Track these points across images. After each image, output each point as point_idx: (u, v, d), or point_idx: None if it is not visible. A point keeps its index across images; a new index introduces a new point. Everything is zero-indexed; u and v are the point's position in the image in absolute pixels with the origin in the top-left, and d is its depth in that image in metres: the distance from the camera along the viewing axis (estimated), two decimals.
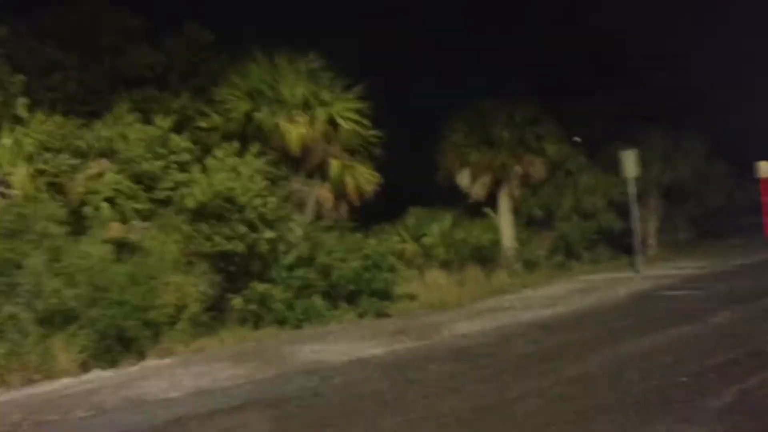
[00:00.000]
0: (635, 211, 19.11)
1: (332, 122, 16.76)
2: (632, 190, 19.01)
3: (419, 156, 20.37)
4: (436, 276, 16.93)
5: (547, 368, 8.81)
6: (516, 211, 20.85)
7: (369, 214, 17.07)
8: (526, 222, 21.09)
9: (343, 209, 16.86)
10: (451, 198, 20.43)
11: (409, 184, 19.19)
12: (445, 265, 17.69)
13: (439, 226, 18.62)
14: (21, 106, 13.10)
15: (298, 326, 13.28)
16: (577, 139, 22.59)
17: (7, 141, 12.39)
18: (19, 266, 10.32)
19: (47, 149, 12.73)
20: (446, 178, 20.68)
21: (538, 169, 20.68)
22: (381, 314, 14.17)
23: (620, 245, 21.71)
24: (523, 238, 20.45)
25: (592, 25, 23.87)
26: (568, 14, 25.68)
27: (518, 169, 20.62)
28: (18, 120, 13.00)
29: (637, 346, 9.84)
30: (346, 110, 16.95)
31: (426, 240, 18.21)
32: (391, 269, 14.80)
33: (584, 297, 15.32)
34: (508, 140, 20.61)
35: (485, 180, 20.39)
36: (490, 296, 16.22)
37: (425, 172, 20.73)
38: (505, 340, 11.20)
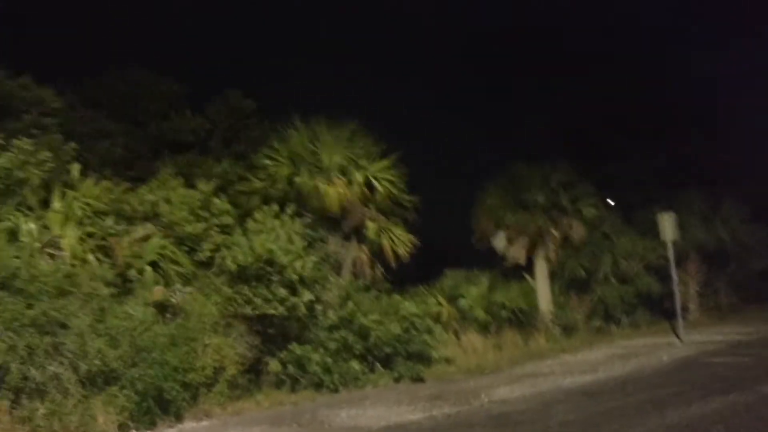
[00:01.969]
0: (675, 275, 18.79)
1: (369, 185, 17.10)
2: (671, 253, 18.74)
3: (454, 219, 20.50)
4: (472, 339, 16.77)
5: None
6: (553, 275, 20.66)
7: (404, 276, 17.14)
8: (564, 285, 20.85)
9: (379, 271, 16.99)
10: (487, 261, 20.39)
11: (444, 246, 19.28)
12: (482, 328, 17.53)
13: (475, 288, 18.54)
14: (73, 171, 13.61)
15: (334, 390, 13.18)
16: (610, 201, 22.50)
17: (58, 205, 12.83)
18: (63, 326, 10.51)
19: (96, 213, 13.13)
20: (482, 241, 20.69)
21: (576, 231, 20.57)
22: (417, 378, 14.02)
23: (660, 310, 21.29)
24: (560, 302, 20.20)
25: (628, 88, 24.10)
26: (603, 78, 25.98)
27: (554, 232, 20.55)
28: (69, 185, 13.49)
29: (685, 414, 9.56)
30: (383, 173, 17.33)
31: (463, 302, 18.11)
32: (429, 331, 14.71)
33: (625, 363, 14.97)
34: (544, 203, 20.64)
35: (521, 243, 20.34)
36: (528, 361, 15.95)
37: (461, 235, 20.81)
38: (546, 407, 10.96)
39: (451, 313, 17.56)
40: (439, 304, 17.36)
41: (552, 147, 22.13)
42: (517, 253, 20.31)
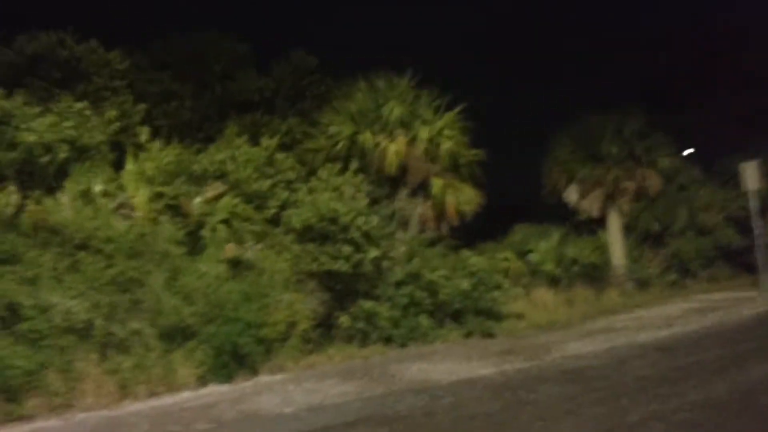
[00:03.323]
0: (757, 226, 17.91)
1: (434, 141, 16.83)
2: (753, 204, 17.85)
3: (523, 173, 20.07)
4: (543, 295, 16.51)
5: (668, 392, 8.35)
6: (626, 228, 20.04)
7: (472, 232, 16.94)
8: (638, 239, 20.21)
9: (446, 227, 16.83)
10: (557, 215, 19.92)
11: (513, 201, 18.92)
12: (553, 283, 17.23)
13: (546, 243, 18.18)
14: (143, 133, 13.91)
15: (403, 344, 13.27)
16: (689, 151, 21.53)
17: (131, 167, 13.16)
18: (141, 284, 10.87)
19: (166, 173, 13.41)
20: (552, 195, 20.20)
21: (652, 182, 19.81)
22: (487, 334, 13.94)
23: (740, 263, 20.40)
24: (634, 256, 19.62)
25: (704, 30, 22.79)
26: (678, 20, 24.64)
27: (628, 184, 19.85)
28: (139, 147, 13.80)
29: None
30: (447, 128, 17.03)
31: (533, 257, 17.81)
32: (498, 287, 14.56)
33: (703, 317, 14.48)
34: (617, 155, 19.92)
35: (594, 196, 19.76)
36: (600, 316, 15.63)
37: (530, 189, 20.39)
38: (621, 362, 10.72)
39: (521, 269, 17.29)
40: (508, 259, 17.10)
41: (625, 96, 21.24)
42: (589, 207, 19.76)
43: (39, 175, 11.72)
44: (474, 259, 14.92)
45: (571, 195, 19.87)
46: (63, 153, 11.76)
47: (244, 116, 16.74)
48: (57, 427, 8.55)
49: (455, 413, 8.29)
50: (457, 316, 14.12)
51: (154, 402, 9.63)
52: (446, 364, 11.32)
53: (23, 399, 8.94)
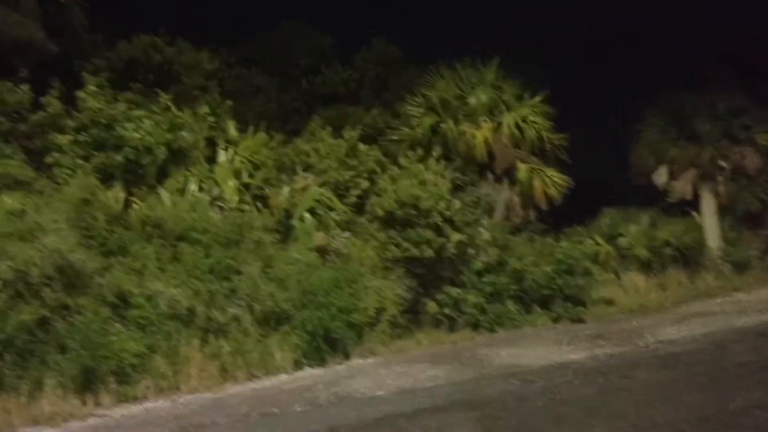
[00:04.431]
0: None
1: (518, 127, 16.73)
2: None
3: (610, 156, 19.53)
4: (634, 279, 16.12)
5: None
6: (722, 209, 19.18)
7: (559, 218, 16.71)
8: (735, 220, 19.31)
9: (532, 213, 16.70)
10: (645, 197, 19.28)
11: (600, 184, 18.48)
12: (644, 267, 16.76)
13: (635, 226, 17.65)
14: (231, 128, 14.45)
15: (491, 330, 13.31)
16: None
17: (222, 161, 13.72)
18: (237, 272, 11.36)
19: (255, 166, 13.91)
20: (641, 177, 19.56)
21: (750, 161, 18.82)
22: (577, 319, 13.78)
23: None
24: (731, 238, 18.78)
25: None
26: None
27: (724, 163, 18.98)
28: (229, 141, 14.35)
29: None
30: (532, 114, 16.89)
31: (622, 241, 17.35)
32: (586, 272, 14.37)
33: None
34: (712, 133, 19.07)
35: (687, 177, 19.00)
36: (695, 300, 15.13)
37: (617, 172, 19.83)
38: (719, 348, 10.40)
39: (610, 253, 16.89)
40: (597, 244, 16.73)
41: (717, 73, 20.18)
42: (682, 188, 18.99)
43: (141, 174, 12.42)
44: (562, 245, 14.75)
45: (661, 176, 19.15)
46: (162, 153, 12.42)
47: (329, 108, 17.10)
48: (165, 408, 9.10)
49: (547, 398, 8.30)
50: (545, 302, 14.01)
51: (253, 385, 10.10)
52: (536, 349, 11.31)
53: (134, 381, 9.56)
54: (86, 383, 9.12)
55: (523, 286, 13.97)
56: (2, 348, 8.70)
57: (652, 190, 19.49)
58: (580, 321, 13.77)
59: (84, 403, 8.96)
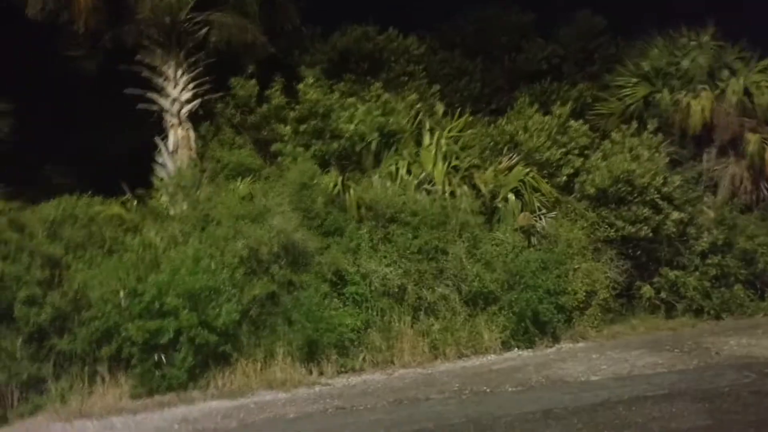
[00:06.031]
0: None
1: (747, 93, 15.14)
2: None
3: None
4: None
5: None
6: None
7: None
8: None
9: (765, 188, 15.03)
10: None
11: None
12: None
13: None
14: (438, 111, 14.67)
15: (717, 317, 12.30)
16: None
17: (428, 144, 13.98)
18: (444, 253, 11.56)
19: (461, 148, 13.99)
20: None
21: None
22: None
23: None
24: None
25: None
26: None
27: None
28: (436, 124, 14.56)
29: None
30: (757, 80, 15.20)
31: None
32: None
33: None
34: None
35: None
36: None
37: None
38: None
39: None
40: None
41: None
42: None
43: (356, 159, 13.08)
44: None
45: None
46: (374, 139, 12.99)
47: (533, 86, 16.69)
48: (381, 380, 9.57)
49: None
50: None
51: (462, 363, 10.26)
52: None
53: (352, 354, 10.17)
54: (311, 354, 9.86)
55: (755, 270, 12.72)
56: (240, 318, 9.66)
57: None
58: None
59: (309, 372, 9.71)
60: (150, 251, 9.91)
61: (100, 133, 13.89)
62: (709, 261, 12.71)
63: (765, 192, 14.84)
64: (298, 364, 9.75)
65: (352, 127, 12.89)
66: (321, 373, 9.77)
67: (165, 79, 13.64)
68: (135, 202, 12.07)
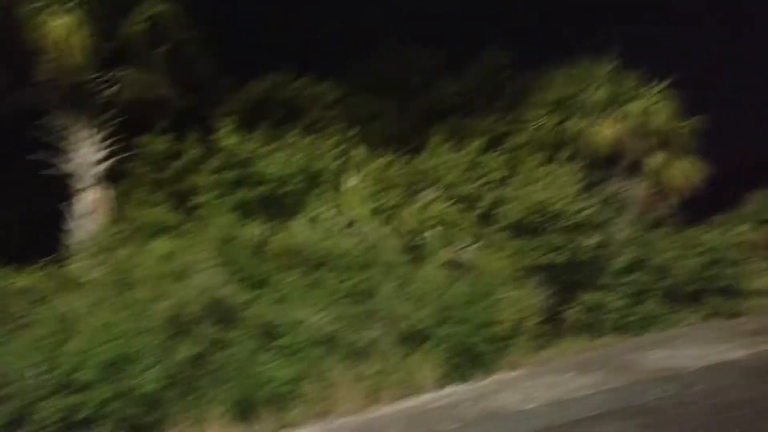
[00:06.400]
0: None
1: (644, 117, 16.07)
2: None
3: (755, 137, 18.20)
4: None
5: None
6: None
7: (702, 206, 15.79)
8: None
9: (669, 205, 15.90)
10: None
11: (744, 168, 17.25)
12: None
13: None
14: (358, 154, 14.82)
15: (638, 333, 12.74)
16: None
17: (350, 187, 14.07)
18: (373, 294, 11.55)
19: (382, 188, 14.15)
20: None
21: None
22: (731, 314, 12.91)
23: None
24: None
25: None
26: None
27: None
28: (356, 167, 14.71)
29: None
30: (657, 102, 16.20)
31: None
32: (737, 263, 13.43)
33: None
34: None
35: None
36: None
37: (757, 150, 18.45)
38: None
39: (762, 239, 15.69)
40: (747, 230, 15.57)
41: None
42: None
43: (279, 206, 13.02)
44: (706, 236, 13.91)
45: None
46: (296, 183, 12.99)
47: (445, 122, 17.14)
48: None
49: (711, 402, 7.80)
50: (693, 299, 13.23)
51: (399, 405, 10.15)
52: (690, 350, 10.68)
53: (288, 407, 9.94)
54: (245, 412, 9.56)
55: (669, 283, 13.29)
56: (166, 384, 9.31)
57: None
58: (736, 316, 12.88)
59: (245, 431, 9.42)
60: (64, 322, 9.47)
61: (4, 200, 13.31)
62: (625, 279, 13.21)
63: (670, 209, 15.66)
64: (232, 425, 9.46)
65: (272, 171, 12.86)
66: (259, 431, 9.50)
67: (73, 141, 13.25)
68: (47, 271, 11.55)
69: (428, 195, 14.32)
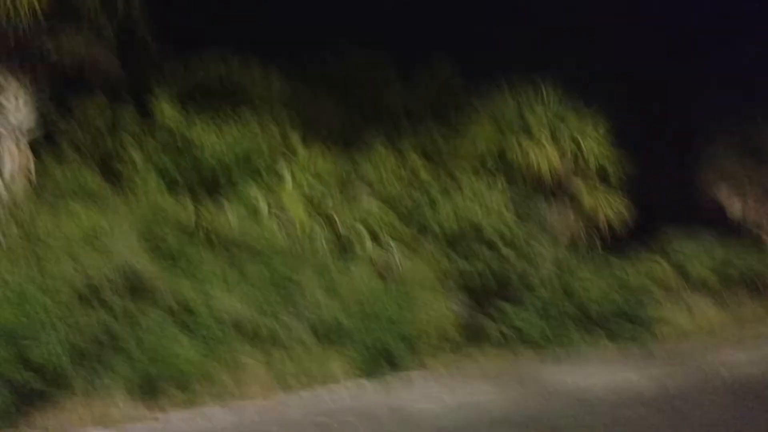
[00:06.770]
0: None
1: (577, 147, 16.62)
2: None
3: (676, 175, 18.99)
4: (698, 301, 15.61)
5: None
6: None
7: (621, 238, 16.42)
8: None
9: (592, 233, 16.47)
10: (713, 219, 18.64)
11: (666, 204, 17.97)
12: (709, 290, 16.19)
13: (702, 247, 17.03)
14: (297, 147, 14.76)
15: (552, 351, 13.11)
16: None
17: (286, 177, 14.00)
18: (295, 284, 11.54)
19: (318, 184, 14.16)
20: (704, 195, 19.01)
21: None
22: (638, 341, 13.43)
23: None
24: None
25: None
26: None
27: None
28: (293, 160, 14.66)
29: None
30: (589, 134, 16.80)
31: (685, 263, 16.79)
32: (649, 294, 14.04)
33: None
34: None
35: (753, 195, 18.38)
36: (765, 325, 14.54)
37: (683, 192, 19.25)
38: None
39: (675, 275, 16.39)
40: (661, 265, 16.27)
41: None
42: (754, 210, 18.38)
43: (209, 184, 12.84)
44: (622, 266, 14.48)
45: (724, 195, 18.56)
46: (231, 167, 12.87)
47: (388, 127, 17.23)
48: (223, 415, 9.28)
49: (604, 422, 8.11)
50: (606, 324, 13.70)
51: (308, 394, 10.19)
52: (598, 372, 11.10)
53: (194, 388, 9.78)
54: (150, 389, 9.39)
55: (583, 306, 13.72)
56: (70, 353, 9.02)
57: (720, 212, 18.90)
58: (644, 343, 13.42)
59: (148, 408, 9.23)
60: None
61: None
62: (541, 296, 13.56)
63: (592, 238, 16.22)
64: (136, 401, 9.26)
65: (208, 151, 12.70)
66: (161, 409, 9.32)
67: (5, 98, 12.73)
68: None
69: (362, 195, 14.42)
